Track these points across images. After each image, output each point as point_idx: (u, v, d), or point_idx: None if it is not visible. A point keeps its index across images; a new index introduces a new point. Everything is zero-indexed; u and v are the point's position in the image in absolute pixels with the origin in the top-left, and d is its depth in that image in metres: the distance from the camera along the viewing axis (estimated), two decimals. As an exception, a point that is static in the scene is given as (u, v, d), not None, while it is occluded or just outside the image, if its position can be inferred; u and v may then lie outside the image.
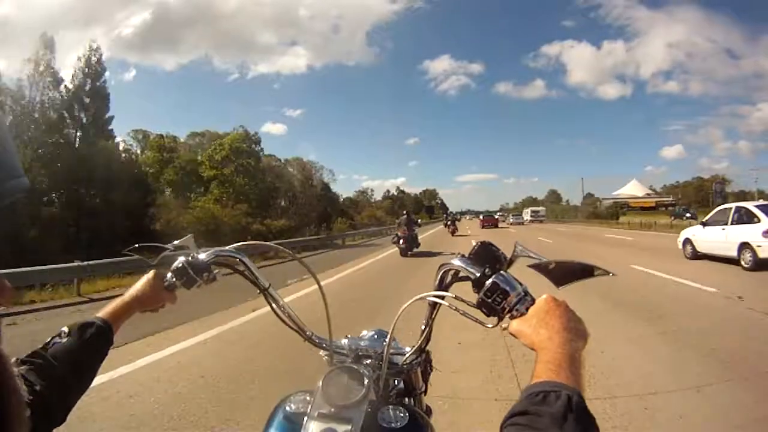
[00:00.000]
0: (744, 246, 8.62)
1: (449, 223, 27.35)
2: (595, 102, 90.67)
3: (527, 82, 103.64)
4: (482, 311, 0.70)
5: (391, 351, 0.85)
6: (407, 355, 0.88)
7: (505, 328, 0.68)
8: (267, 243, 1.10)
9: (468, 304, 0.73)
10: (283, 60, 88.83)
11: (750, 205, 9.25)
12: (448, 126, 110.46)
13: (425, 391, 0.97)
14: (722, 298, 6.01)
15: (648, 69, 79.93)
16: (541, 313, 0.63)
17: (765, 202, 9.56)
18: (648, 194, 61.77)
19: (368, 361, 0.86)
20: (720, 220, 9.77)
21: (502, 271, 0.70)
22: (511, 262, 0.73)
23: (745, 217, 8.97)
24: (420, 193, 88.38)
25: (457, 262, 0.75)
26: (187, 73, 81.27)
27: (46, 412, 0.57)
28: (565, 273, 0.68)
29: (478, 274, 0.71)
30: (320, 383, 0.77)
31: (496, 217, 46.76)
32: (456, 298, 0.75)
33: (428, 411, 1.00)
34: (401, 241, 13.62)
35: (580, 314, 0.66)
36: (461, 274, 0.76)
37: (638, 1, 77.65)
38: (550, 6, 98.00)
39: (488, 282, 0.69)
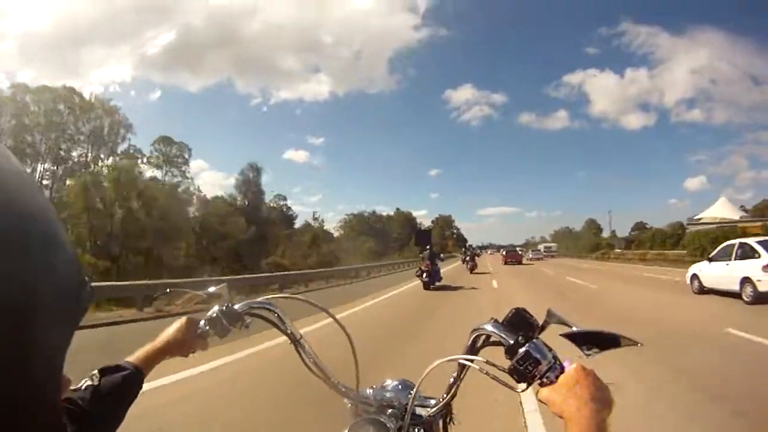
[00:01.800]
0: (745, 280, 8.86)
1: (467, 258, 25.11)
2: (618, 132, 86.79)
3: (550, 113, 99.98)
4: (513, 377, 0.70)
5: (415, 403, 0.85)
6: (432, 409, 0.87)
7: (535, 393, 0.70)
8: (298, 296, 1.13)
9: (498, 368, 0.73)
10: (306, 86, 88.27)
11: (752, 241, 9.55)
12: (470, 157, 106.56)
13: None
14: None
15: (672, 97, 75.83)
16: (570, 383, 0.64)
17: (766, 238, 9.81)
18: (742, 216, 48.47)
19: (391, 411, 0.87)
20: (725, 256, 10.02)
21: (535, 340, 0.70)
22: (543, 329, 0.72)
23: (748, 253, 9.23)
24: (433, 221, 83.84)
25: (490, 327, 0.75)
26: (211, 95, 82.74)
27: None
28: (594, 341, 0.69)
29: (511, 342, 0.71)
30: None
31: (520, 252, 44.27)
32: (487, 362, 0.75)
33: None
34: (424, 275, 14.28)
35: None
36: (493, 338, 0.76)
37: (662, 28, 76.82)
38: (573, 35, 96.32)
39: (521, 350, 0.69)
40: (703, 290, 10.55)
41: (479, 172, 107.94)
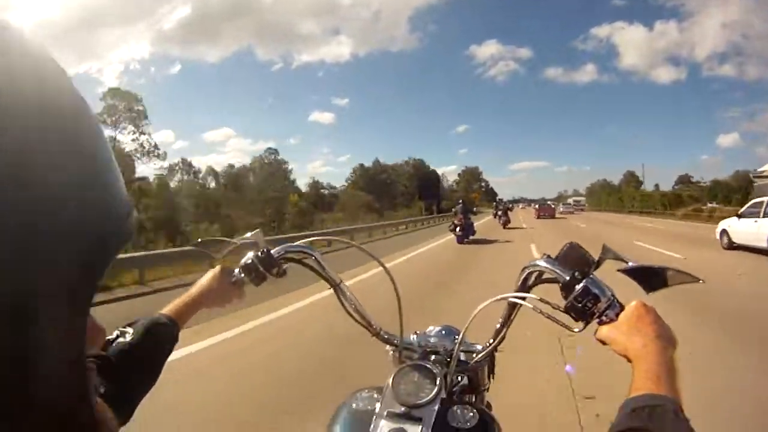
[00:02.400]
0: (773, 238, 9.18)
1: (500, 213, 23.20)
2: (648, 86, 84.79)
3: (577, 67, 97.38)
4: (570, 315, 0.67)
5: (461, 349, 0.82)
6: (478, 354, 0.85)
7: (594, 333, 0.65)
8: (335, 237, 0.92)
9: (553, 307, 0.69)
10: (327, 49, 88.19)
11: (780, 199, 9.73)
12: (497, 113, 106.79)
13: (488, 389, 0.94)
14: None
15: (703, 51, 75.28)
16: (632, 320, 0.61)
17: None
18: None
19: (435, 357, 0.84)
20: (754, 212, 10.25)
21: (592, 275, 0.67)
22: (598, 264, 0.68)
23: (775, 210, 9.49)
24: (459, 173, 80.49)
25: (543, 263, 0.72)
26: (231, 65, 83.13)
27: (112, 412, 0.49)
28: (654, 278, 0.66)
29: (567, 278, 0.68)
30: (390, 380, 0.77)
31: (553, 206, 42.53)
32: (540, 300, 0.72)
33: (489, 407, 0.96)
34: (457, 229, 13.92)
35: None
36: (546, 275, 0.73)
37: None
38: None
39: (579, 286, 0.66)
40: (732, 246, 10.85)
41: (507, 127, 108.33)
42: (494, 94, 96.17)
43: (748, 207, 10.80)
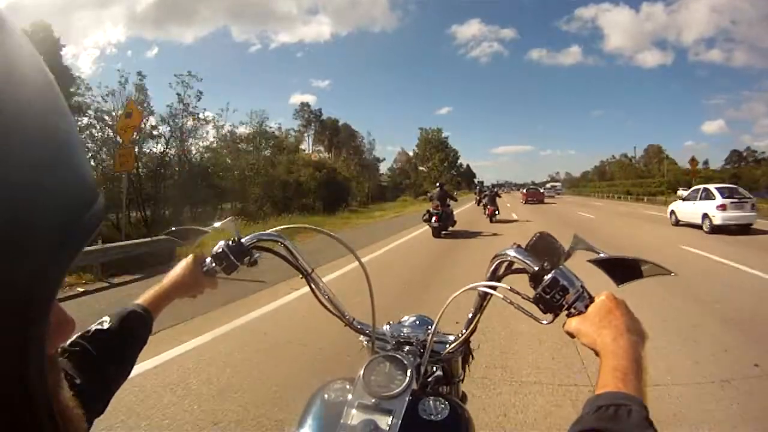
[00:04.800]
0: (705, 216, 12.09)
1: (483, 199, 19.90)
2: (634, 70, 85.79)
3: (562, 48, 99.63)
4: (539, 307, 0.67)
5: (434, 339, 0.81)
6: (451, 344, 0.85)
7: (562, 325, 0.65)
8: (307, 225, 1.00)
9: (522, 297, 0.69)
10: (306, 29, 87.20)
11: (711, 186, 12.70)
12: (481, 95, 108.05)
13: (463, 379, 0.94)
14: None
15: (690, 35, 76.15)
16: (602, 312, 0.61)
17: (722, 185, 12.96)
18: None
19: (408, 348, 0.85)
20: (693, 197, 13.16)
21: (561, 266, 0.66)
22: (569, 255, 0.67)
23: (708, 195, 12.40)
24: (418, 141, 68.81)
25: (512, 252, 0.71)
26: (207, 45, 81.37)
27: (87, 403, 0.47)
28: (625, 270, 0.65)
29: (536, 268, 0.67)
30: (361, 371, 0.77)
31: (542, 190, 40.69)
32: (510, 290, 0.72)
33: (464, 398, 0.97)
34: (433, 219, 11.37)
35: None
36: (516, 266, 0.72)
37: None
38: None
39: (547, 277, 0.65)
40: (678, 223, 13.80)
41: (491, 109, 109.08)
42: (477, 75, 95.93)
43: (689, 192, 13.77)
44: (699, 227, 12.40)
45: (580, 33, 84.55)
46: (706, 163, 57.95)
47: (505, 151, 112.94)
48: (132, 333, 0.72)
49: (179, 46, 71.41)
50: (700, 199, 12.74)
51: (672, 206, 14.67)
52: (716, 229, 11.64)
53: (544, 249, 0.69)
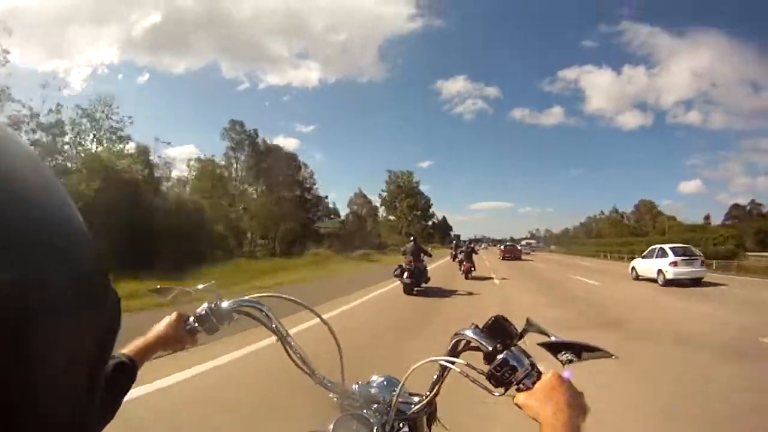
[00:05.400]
0: (659, 271, 13.72)
1: (460, 255, 17.68)
2: (614, 131, 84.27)
3: (544, 109, 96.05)
4: (491, 382, 0.72)
5: (400, 400, 0.88)
6: (416, 406, 0.90)
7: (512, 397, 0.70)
8: (285, 296, 1.03)
9: (477, 372, 0.75)
10: (294, 73, 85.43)
11: (665, 246, 14.51)
12: (462, 151, 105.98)
13: None
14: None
15: (669, 98, 74.80)
16: (546, 389, 0.66)
17: (675, 245, 14.82)
18: None
19: (376, 407, 0.89)
20: (650, 255, 14.92)
21: (512, 347, 0.73)
22: (521, 336, 0.75)
23: (662, 253, 14.13)
24: (386, 181, 63.94)
25: (470, 333, 0.78)
26: (196, 78, 79.64)
27: None
28: (570, 351, 0.71)
29: (490, 348, 0.73)
30: (330, 427, 0.84)
31: (519, 247, 40.31)
32: (467, 365, 0.78)
33: None
34: (405, 275, 10.83)
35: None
36: (473, 344, 0.78)
37: (662, 28, 75.00)
38: (570, 30, 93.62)
39: (499, 357, 0.72)
40: (638, 277, 15.38)
41: (472, 165, 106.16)
42: (460, 131, 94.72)
43: (647, 252, 15.50)
44: (655, 281, 13.95)
45: (562, 93, 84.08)
46: (707, 218, 54.49)
47: (483, 207, 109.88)
48: (116, 381, 0.74)
49: (170, 76, 70.23)
50: (656, 256, 14.45)
51: (633, 263, 16.36)
52: (668, 282, 13.21)
53: (499, 330, 0.76)
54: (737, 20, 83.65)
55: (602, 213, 67.89)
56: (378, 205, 62.27)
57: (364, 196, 59.95)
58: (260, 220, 32.63)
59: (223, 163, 37.32)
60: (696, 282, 13.37)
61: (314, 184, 47.88)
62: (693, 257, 13.79)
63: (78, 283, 0.27)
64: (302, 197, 44.25)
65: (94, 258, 0.30)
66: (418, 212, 63.73)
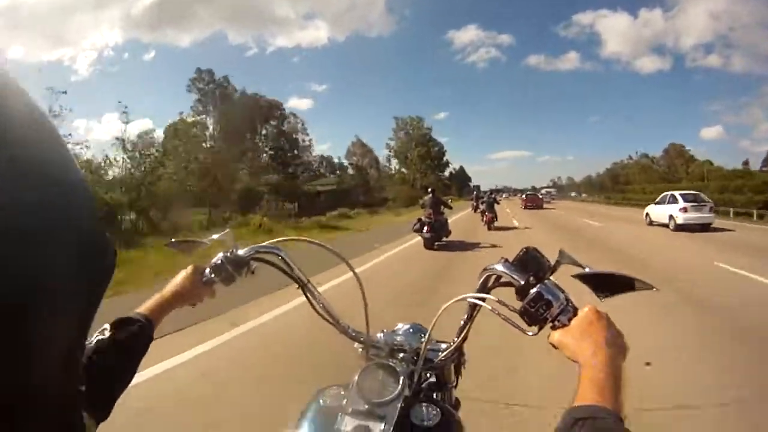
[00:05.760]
0: (670, 217, 14.74)
1: (482, 206, 17.45)
2: (631, 76, 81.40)
3: (559, 54, 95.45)
4: (524, 319, 0.69)
5: (427, 347, 0.85)
6: (444, 352, 0.87)
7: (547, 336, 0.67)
8: (304, 238, 1.01)
9: (510, 309, 0.71)
10: (302, 33, 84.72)
11: (676, 193, 15.41)
12: (478, 100, 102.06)
13: (456, 385, 0.99)
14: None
15: (688, 41, 72.56)
16: (584, 325, 0.63)
17: (686, 191, 15.71)
18: None
19: (402, 355, 0.87)
20: (662, 201, 15.83)
21: (546, 280, 0.69)
22: (554, 269, 0.71)
23: (673, 199, 15.08)
24: (393, 128, 57.73)
25: (500, 267, 0.74)
26: (203, 49, 78.53)
27: (92, 410, 0.54)
28: (608, 285, 0.68)
29: (522, 282, 0.70)
30: (355, 378, 0.80)
31: (540, 196, 40.62)
32: (498, 301, 0.74)
33: (457, 404, 1.01)
34: (425, 229, 10.31)
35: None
36: (503, 279, 0.75)
37: None
38: None
39: (532, 291, 0.68)
40: (651, 223, 16.41)
41: (488, 115, 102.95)
42: (474, 81, 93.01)
43: (660, 198, 16.40)
44: (667, 226, 15.01)
45: (577, 38, 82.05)
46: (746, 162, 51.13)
47: (502, 156, 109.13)
48: (133, 341, 0.74)
49: (175, 50, 69.61)
50: (668, 203, 15.41)
51: (647, 209, 17.34)
52: (679, 228, 14.25)
53: (531, 263, 0.72)
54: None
55: (630, 158, 64.10)
56: (388, 155, 58.47)
57: (364, 145, 55.66)
58: (211, 180, 27.45)
59: (191, 119, 31.39)
60: (705, 227, 14.35)
61: (306, 136, 44.24)
62: (702, 203, 14.69)
63: (80, 239, 0.27)
64: (281, 151, 40.49)
65: (94, 214, 0.30)
66: (431, 162, 57.82)
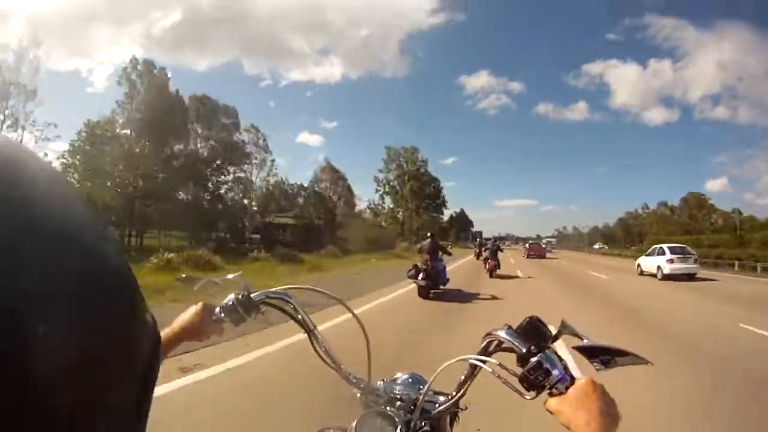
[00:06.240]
0: (658, 267, 16.40)
1: (485, 253, 17.27)
2: (639, 127, 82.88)
3: (569, 104, 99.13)
4: (523, 385, 0.71)
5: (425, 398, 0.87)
6: (441, 406, 0.89)
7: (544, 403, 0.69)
8: (313, 287, 1.01)
9: (510, 373, 0.74)
10: (317, 69, 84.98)
11: (664, 246, 17.21)
12: (486, 147, 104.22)
13: None
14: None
15: (696, 92, 73.94)
16: (580, 395, 0.66)
17: (673, 245, 17.49)
18: None
19: (400, 404, 0.89)
20: (652, 253, 17.61)
21: (546, 350, 0.71)
22: (555, 339, 0.74)
23: (661, 251, 16.81)
24: (384, 159, 53.27)
25: (503, 334, 0.77)
26: (219, 75, 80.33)
27: None
28: (604, 356, 0.71)
29: (524, 350, 0.72)
30: (354, 424, 0.83)
31: (543, 245, 40.43)
32: (499, 365, 0.76)
33: None
34: (420, 275, 9.57)
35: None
36: (505, 345, 0.77)
37: (688, 21, 75.28)
38: (594, 24, 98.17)
39: (533, 360, 0.70)
40: (642, 273, 18.05)
41: (497, 162, 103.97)
42: (484, 127, 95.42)
43: (650, 250, 18.21)
44: (654, 275, 16.59)
45: (587, 88, 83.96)
46: None
47: (507, 204, 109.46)
48: None
49: (191, 73, 69.34)
50: (656, 254, 17.16)
51: (639, 260, 19.13)
52: (666, 277, 15.85)
53: (533, 332, 0.74)
54: (764, 12, 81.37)
55: (645, 207, 62.29)
56: (379, 191, 52.72)
57: (335, 171, 46.00)
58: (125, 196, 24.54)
59: (120, 120, 28.52)
60: (690, 277, 15.97)
61: (268, 155, 37.55)
62: (688, 255, 16.45)
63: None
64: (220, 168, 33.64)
65: (113, 256, 0.28)
66: (426, 201, 52.75)
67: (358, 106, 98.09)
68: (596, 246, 66.66)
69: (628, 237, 57.56)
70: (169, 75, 31.42)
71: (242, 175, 36.31)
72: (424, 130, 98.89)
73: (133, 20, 70.73)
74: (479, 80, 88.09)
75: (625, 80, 79.31)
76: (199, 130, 32.75)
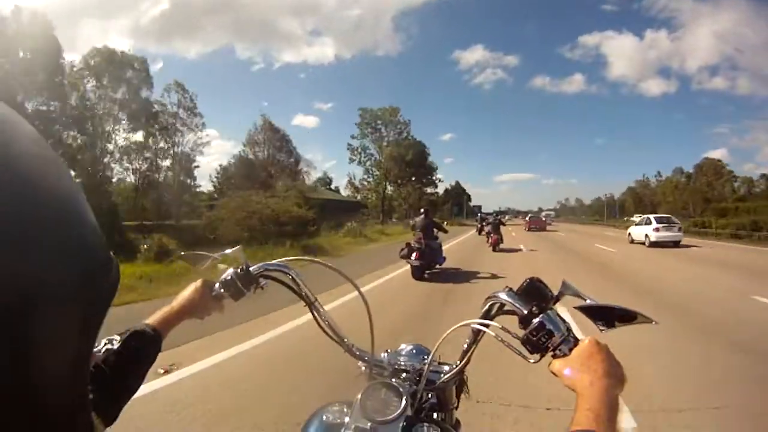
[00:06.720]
0: (646, 236, 18.12)
1: (487, 228, 17.33)
2: (637, 99, 79.60)
3: (565, 76, 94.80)
4: (526, 347, 0.71)
5: (430, 368, 0.86)
6: (446, 375, 0.88)
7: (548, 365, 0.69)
8: (313, 258, 0.99)
9: (513, 336, 0.73)
10: (310, 50, 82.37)
11: (651, 216, 18.98)
12: (483, 122, 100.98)
13: (457, 407, 0.99)
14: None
15: (693, 63, 70.87)
16: (583, 356, 0.65)
17: (659, 215, 19.24)
18: None
19: (405, 375, 0.88)
20: (641, 223, 19.34)
21: (548, 311, 0.71)
22: (557, 300, 0.74)
23: (648, 221, 18.56)
24: (358, 123, 44.38)
25: (504, 296, 0.76)
26: (210, 61, 78.57)
27: (100, 416, 0.55)
28: (609, 317, 0.70)
29: (525, 312, 0.72)
30: (359, 396, 0.81)
31: (544, 218, 40.51)
32: (502, 328, 0.76)
33: (457, 425, 1.01)
34: (413, 255, 8.72)
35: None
36: (507, 308, 0.77)
37: None
38: None
39: (535, 321, 0.70)
40: (632, 241, 19.68)
41: (494, 136, 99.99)
42: (480, 102, 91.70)
43: (639, 220, 19.95)
44: (643, 243, 18.39)
45: (583, 60, 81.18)
46: None
47: (507, 178, 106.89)
48: (141, 352, 0.75)
49: (182, 61, 66.02)
50: (644, 224, 18.97)
51: (630, 230, 20.88)
52: (653, 244, 17.59)
53: (534, 293, 0.74)
54: (763, -22, 74.99)
55: (659, 175, 58.01)
56: (352, 160, 45.15)
57: (275, 129, 37.26)
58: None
59: None
60: (675, 244, 17.64)
61: (199, 119, 31.26)
62: (672, 224, 18.16)
63: (82, 256, 0.29)
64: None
65: (97, 234, 0.31)
66: (409, 168, 43.62)
67: (353, 85, 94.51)
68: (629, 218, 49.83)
69: (639, 207, 51.94)
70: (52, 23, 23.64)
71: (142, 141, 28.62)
72: (420, 107, 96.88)
73: (120, 12, 68.39)
74: (474, 55, 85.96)
75: (621, 52, 75.99)
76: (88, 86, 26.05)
